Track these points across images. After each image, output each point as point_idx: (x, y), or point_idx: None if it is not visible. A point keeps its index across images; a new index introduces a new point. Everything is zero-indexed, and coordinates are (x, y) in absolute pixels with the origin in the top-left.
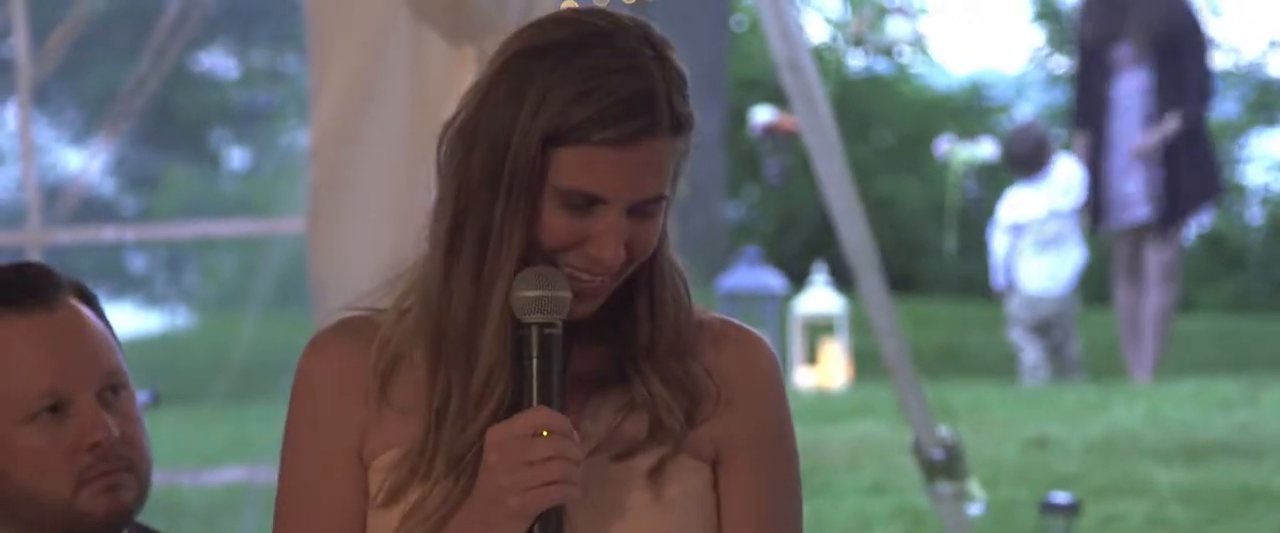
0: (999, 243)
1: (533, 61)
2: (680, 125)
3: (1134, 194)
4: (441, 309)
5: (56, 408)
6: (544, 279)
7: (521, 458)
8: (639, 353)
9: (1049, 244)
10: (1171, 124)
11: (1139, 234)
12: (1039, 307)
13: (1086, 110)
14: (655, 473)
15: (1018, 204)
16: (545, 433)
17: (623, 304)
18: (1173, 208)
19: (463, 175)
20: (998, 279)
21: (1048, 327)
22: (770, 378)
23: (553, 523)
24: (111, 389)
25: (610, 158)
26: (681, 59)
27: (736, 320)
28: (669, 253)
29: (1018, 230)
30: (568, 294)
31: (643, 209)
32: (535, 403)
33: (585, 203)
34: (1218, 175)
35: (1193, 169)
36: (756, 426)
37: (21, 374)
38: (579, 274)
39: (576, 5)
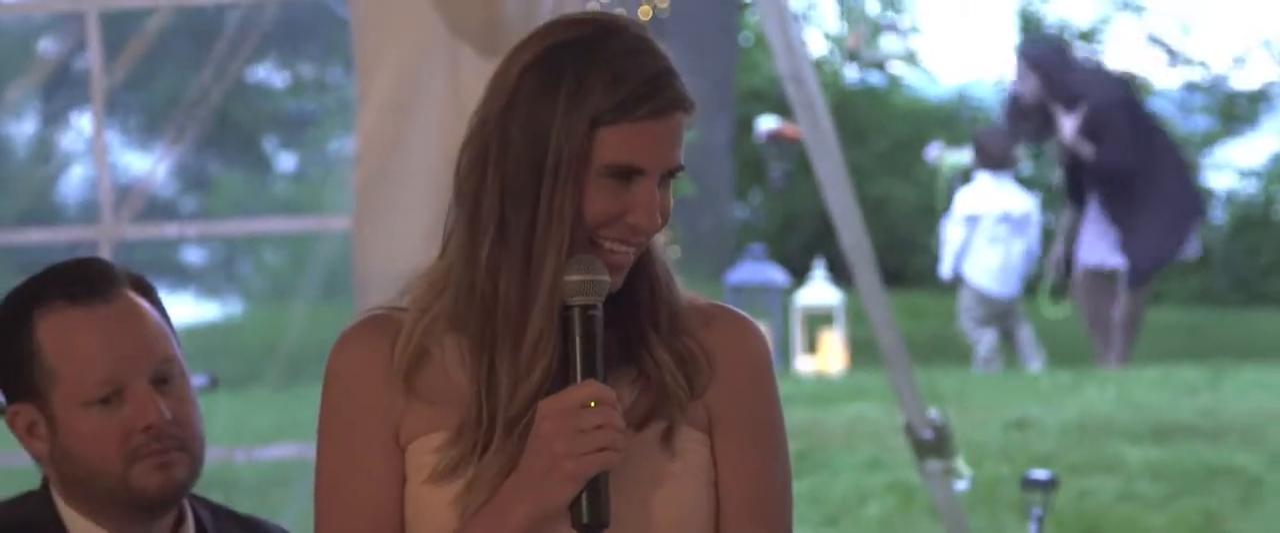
0: (952, 234)
1: (560, 55)
2: (691, 104)
3: (1104, 257)
4: (489, 293)
5: (114, 394)
6: (587, 265)
7: (574, 426)
8: (645, 329)
9: (1003, 239)
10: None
11: (1107, 281)
12: (988, 303)
13: (1075, 189)
14: (666, 442)
15: (977, 196)
16: (593, 404)
17: (625, 288)
18: (1140, 270)
19: (502, 170)
20: (944, 269)
21: (997, 318)
22: (757, 354)
23: (602, 486)
24: (165, 375)
25: (648, 131)
26: (693, 70)
27: (727, 305)
28: (658, 239)
29: (973, 222)
30: (607, 278)
31: (666, 180)
32: (580, 378)
33: (627, 176)
34: (1186, 237)
35: (1161, 233)
36: (746, 397)
37: (81, 363)
38: (615, 246)
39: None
